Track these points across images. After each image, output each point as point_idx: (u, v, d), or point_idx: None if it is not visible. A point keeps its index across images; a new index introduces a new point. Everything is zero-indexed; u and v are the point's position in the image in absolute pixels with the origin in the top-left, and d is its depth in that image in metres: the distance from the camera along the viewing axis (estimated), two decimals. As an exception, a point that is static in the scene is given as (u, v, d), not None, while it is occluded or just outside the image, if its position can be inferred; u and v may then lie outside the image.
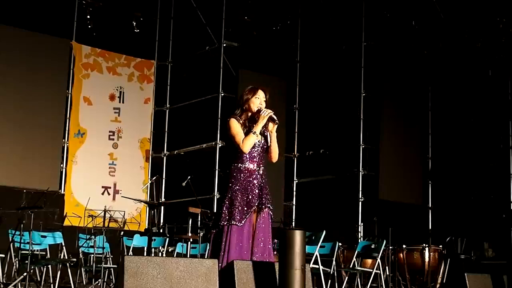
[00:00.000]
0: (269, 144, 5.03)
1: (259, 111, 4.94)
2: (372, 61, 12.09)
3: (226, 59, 12.03)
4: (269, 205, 4.93)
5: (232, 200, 4.84)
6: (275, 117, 4.93)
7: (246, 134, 4.90)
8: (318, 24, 12.83)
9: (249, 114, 4.99)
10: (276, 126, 4.98)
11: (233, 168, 4.92)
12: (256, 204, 4.87)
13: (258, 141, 4.96)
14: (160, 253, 9.71)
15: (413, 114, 12.65)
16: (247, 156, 4.92)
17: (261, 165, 4.99)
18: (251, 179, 4.90)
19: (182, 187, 8.49)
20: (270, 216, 4.96)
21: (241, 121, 4.95)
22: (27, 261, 7.38)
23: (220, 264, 4.66)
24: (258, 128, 4.90)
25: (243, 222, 4.80)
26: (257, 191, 4.90)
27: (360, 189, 11.70)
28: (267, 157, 5.06)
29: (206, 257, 8.62)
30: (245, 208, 4.83)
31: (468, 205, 11.90)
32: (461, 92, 12.29)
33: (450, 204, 12.26)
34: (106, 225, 8.75)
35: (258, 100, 4.99)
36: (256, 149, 4.95)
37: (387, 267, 9.05)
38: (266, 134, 5.04)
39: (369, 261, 9.45)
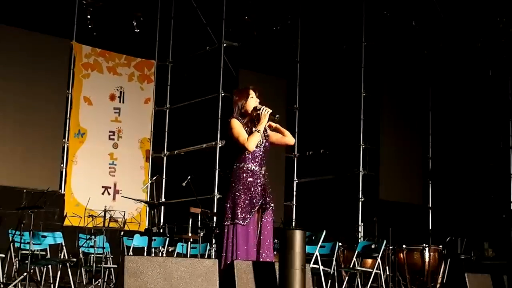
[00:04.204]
0: (274, 139, 5.07)
1: (255, 109, 4.94)
2: (372, 61, 12.09)
3: (226, 59, 12.03)
4: (272, 205, 4.94)
5: (235, 199, 4.83)
6: (273, 112, 4.93)
7: (250, 134, 4.89)
8: (318, 24, 12.83)
9: (249, 116, 4.99)
10: (276, 119, 4.98)
11: (235, 168, 4.91)
12: (259, 203, 4.88)
13: (260, 141, 4.95)
14: (160, 253, 9.71)
15: (413, 114, 12.65)
16: (250, 156, 4.90)
17: (263, 166, 4.99)
18: (253, 179, 4.89)
19: (182, 187, 8.49)
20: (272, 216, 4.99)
21: (241, 121, 4.94)
22: (27, 261, 7.38)
23: (223, 263, 4.68)
24: (261, 126, 4.91)
25: (247, 221, 4.80)
26: (260, 191, 4.90)
27: (360, 189, 11.71)
28: (284, 143, 5.15)
29: (213, 257, 8.62)
30: (249, 208, 4.82)
31: (468, 205, 11.90)
32: (461, 92, 12.28)
33: (450, 204, 12.26)
34: (106, 225, 8.75)
35: (253, 100, 4.99)
36: (258, 150, 4.94)
37: (387, 267, 9.05)
38: (267, 134, 5.04)
39: (369, 261, 9.46)
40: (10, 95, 10.77)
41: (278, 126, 5.10)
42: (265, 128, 5.02)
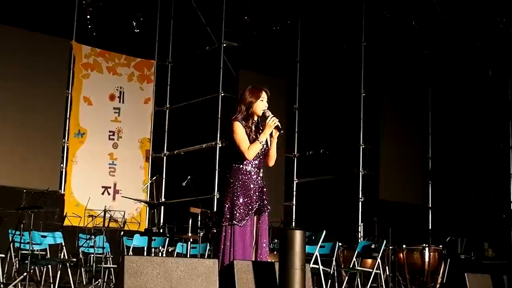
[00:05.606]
0: (268, 148, 4.98)
1: (264, 115, 4.88)
2: (372, 61, 12.09)
3: (226, 59, 12.03)
4: (269, 208, 4.93)
5: (233, 200, 4.81)
6: (280, 125, 4.85)
7: (252, 141, 4.82)
8: (318, 24, 12.83)
9: (255, 118, 4.92)
10: (278, 133, 4.90)
11: (233, 169, 4.88)
12: (257, 206, 4.87)
13: None
14: (160, 253, 9.71)
15: (413, 114, 12.65)
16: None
17: (261, 168, 4.97)
18: (251, 180, 4.87)
19: (182, 187, 8.49)
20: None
21: (245, 125, 4.86)
22: (27, 261, 7.38)
23: (221, 264, 4.67)
24: (264, 137, 4.84)
25: (244, 222, 4.79)
26: (257, 193, 4.88)
27: (360, 189, 11.71)
28: (264, 161, 5.02)
29: (210, 256, 8.61)
30: (246, 209, 4.81)
31: (468, 205, 11.90)
32: (461, 92, 12.28)
33: (450, 204, 12.26)
34: (106, 225, 8.75)
35: (263, 103, 4.90)
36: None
37: (387, 267, 9.05)
38: (267, 138, 4.99)
39: (369, 261, 9.46)
40: (10, 95, 10.76)
41: (274, 139, 4.94)
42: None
